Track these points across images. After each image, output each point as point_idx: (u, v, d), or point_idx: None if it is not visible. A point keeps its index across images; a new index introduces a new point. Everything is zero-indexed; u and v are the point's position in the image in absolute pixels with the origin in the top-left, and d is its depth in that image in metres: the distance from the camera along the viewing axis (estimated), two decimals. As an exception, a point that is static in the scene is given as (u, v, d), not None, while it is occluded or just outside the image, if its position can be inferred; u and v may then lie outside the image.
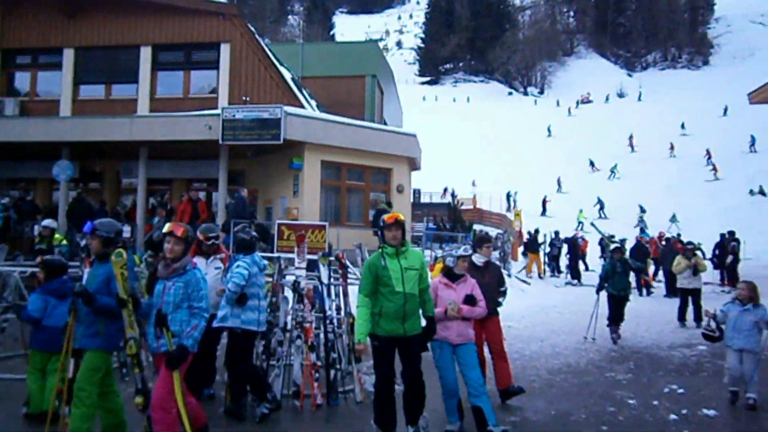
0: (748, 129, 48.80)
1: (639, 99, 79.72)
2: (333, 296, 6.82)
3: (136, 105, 18.58)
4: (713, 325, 6.91)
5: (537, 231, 21.66)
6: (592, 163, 52.22)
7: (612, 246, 11.79)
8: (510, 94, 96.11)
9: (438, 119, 72.13)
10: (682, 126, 57.98)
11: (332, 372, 6.33)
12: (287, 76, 19.56)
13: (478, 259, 6.37)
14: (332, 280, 6.89)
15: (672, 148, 52.88)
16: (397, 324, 4.85)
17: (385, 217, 5.03)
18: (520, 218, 27.09)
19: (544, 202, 41.34)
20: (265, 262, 5.99)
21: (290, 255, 6.95)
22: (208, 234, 6.10)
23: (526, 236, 22.94)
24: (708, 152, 47.87)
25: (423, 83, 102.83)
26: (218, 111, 15.94)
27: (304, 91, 20.79)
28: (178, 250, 4.57)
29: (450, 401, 5.35)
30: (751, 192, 39.02)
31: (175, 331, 4.47)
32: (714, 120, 59.57)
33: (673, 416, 6.00)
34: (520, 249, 22.93)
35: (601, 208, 39.77)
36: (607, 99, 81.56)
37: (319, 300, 6.64)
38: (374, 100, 24.53)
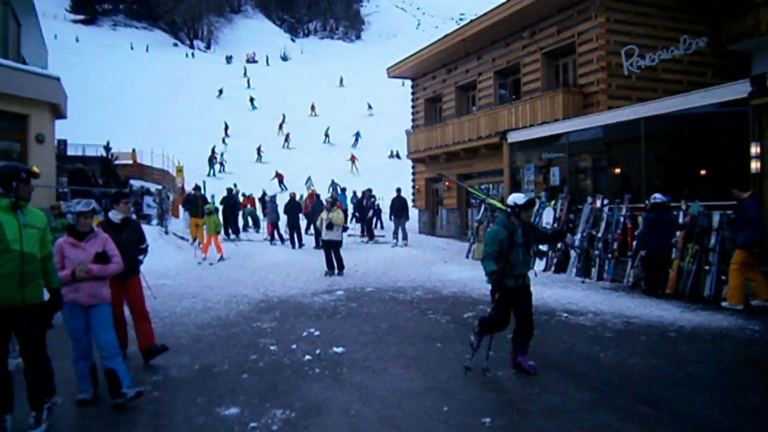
0: (385, 97, 54.87)
1: (284, 59, 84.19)
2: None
3: None
4: None
5: (198, 188, 20.44)
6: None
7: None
8: (175, 45, 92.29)
9: (94, 63, 65.59)
10: (369, 106, 59.89)
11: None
12: None
13: (114, 215, 5.99)
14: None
15: (313, 108, 58.61)
16: (14, 290, 4.17)
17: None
18: (182, 174, 26.46)
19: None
20: None
21: None
22: None
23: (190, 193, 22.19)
24: (326, 134, 51.20)
25: (76, 22, 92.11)
26: None
27: None
28: None
29: (81, 365, 5.01)
30: (391, 155, 44.64)
31: None
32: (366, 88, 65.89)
33: (308, 357, 6.53)
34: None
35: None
36: (285, 58, 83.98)
37: None
38: (8, 32, 20.81)
